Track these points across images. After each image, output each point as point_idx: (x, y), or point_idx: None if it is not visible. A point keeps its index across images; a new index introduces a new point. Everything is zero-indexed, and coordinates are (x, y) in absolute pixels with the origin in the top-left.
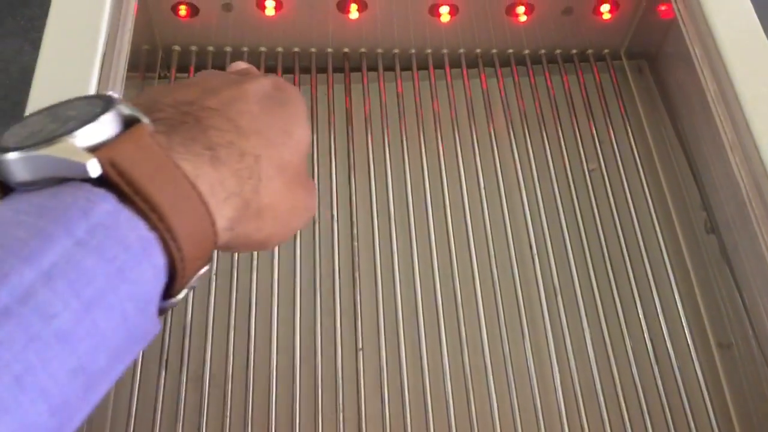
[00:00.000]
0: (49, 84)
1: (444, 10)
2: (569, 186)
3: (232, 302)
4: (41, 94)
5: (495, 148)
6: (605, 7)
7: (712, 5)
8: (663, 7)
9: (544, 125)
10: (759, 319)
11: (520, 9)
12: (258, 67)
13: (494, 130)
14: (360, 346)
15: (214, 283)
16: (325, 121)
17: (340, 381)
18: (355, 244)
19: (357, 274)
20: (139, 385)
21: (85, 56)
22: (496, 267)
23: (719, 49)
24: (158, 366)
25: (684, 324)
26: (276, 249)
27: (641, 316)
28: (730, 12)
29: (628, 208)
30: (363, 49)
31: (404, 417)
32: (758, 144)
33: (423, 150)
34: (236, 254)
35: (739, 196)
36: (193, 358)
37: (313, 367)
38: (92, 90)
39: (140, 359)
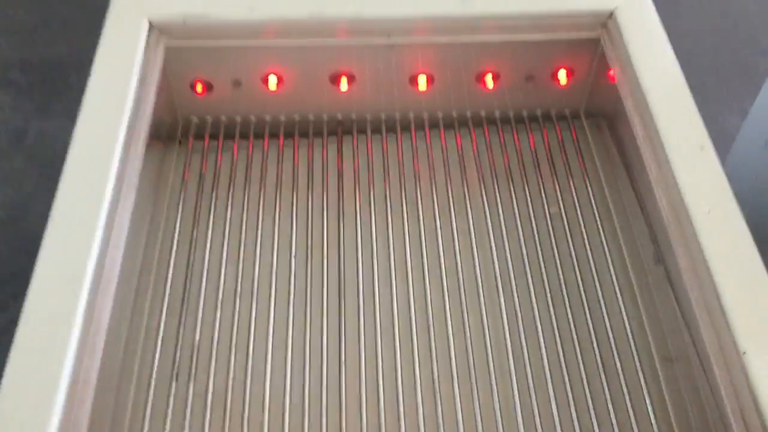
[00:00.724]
0: (82, 148)
1: (422, 79)
2: (532, 228)
3: (234, 323)
4: (75, 158)
5: (467, 197)
6: (562, 73)
7: (642, 69)
8: (612, 72)
9: (512, 177)
10: (698, 336)
11: (488, 77)
12: (263, 134)
13: (467, 182)
14: (343, 359)
15: (219, 311)
16: (320, 179)
17: (325, 391)
18: (342, 277)
19: (343, 303)
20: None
21: (112, 126)
22: (466, 298)
23: (647, 102)
24: (169, 378)
25: (631, 341)
26: (273, 279)
27: (593, 336)
28: (656, 69)
29: (584, 245)
30: (353, 116)
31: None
32: (677, 177)
33: (404, 200)
34: (239, 285)
35: (664, 225)
36: (200, 373)
37: (302, 382)
38: (117, 155)
39: (153, 373)
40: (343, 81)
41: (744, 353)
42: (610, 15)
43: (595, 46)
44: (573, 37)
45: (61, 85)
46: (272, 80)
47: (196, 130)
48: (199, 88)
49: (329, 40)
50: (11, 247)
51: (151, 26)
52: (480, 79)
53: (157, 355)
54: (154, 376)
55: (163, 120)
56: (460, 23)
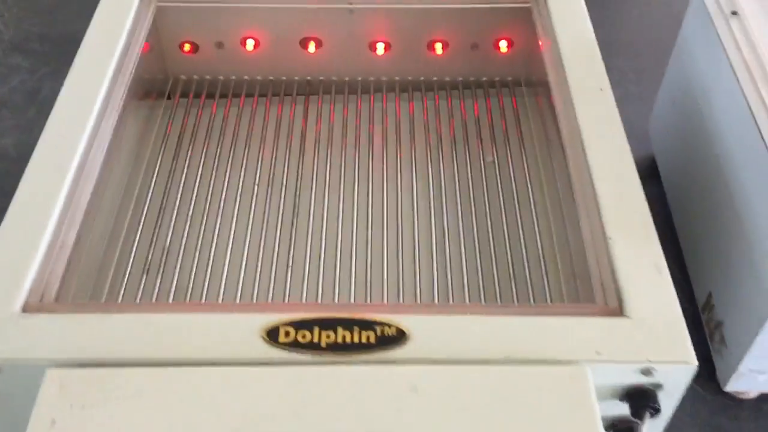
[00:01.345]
0: (72, 85)
1: (380, 46)
2: (467, 173)
3: (199, 233)
4: (67, 90)
5: (414, 156)
6: (503, 43)
7: (560, 29)
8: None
9: (455, 139)
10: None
11: (438, 45)
12: (240, 92)
13: (415, 143)
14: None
15: (188, 223)
16: (285, 135)
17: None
18: (297, 202)
19: (295, 220)
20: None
21: (101, 67)
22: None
23: (560, 53)
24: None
25: (537, 232)
26: (236, 202)
27: (507, 228)
28: (571, 29)
29: (511, 183)
30: (321, 78)
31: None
32: (576, 109)
33: (357, 158)
34: (207, 205)
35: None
36: (167, 270)
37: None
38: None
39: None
40: (311, 45)
41: (610, 239)
42: None
43: (530, 17)
44: (509, 5)
45: (73, 54)
46: (250, 43)
47: (183, 87)
48: (186, 47)
49: (299, 5)
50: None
51: None
52: (431, 46)
53: (133, 254)
54: (128, 270)
55: (156, 78)
56: None
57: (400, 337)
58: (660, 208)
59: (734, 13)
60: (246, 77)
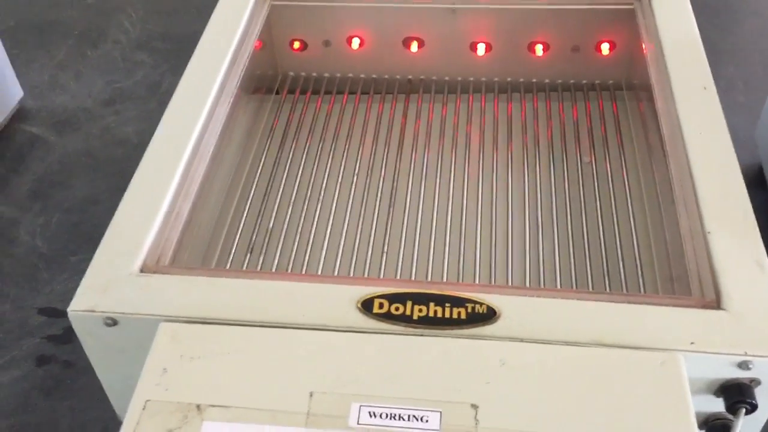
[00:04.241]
0: (191, 76)
1: (481, 46)
2: (564, 172)
3: (300, 218)
4: (186, 80)
5: (511, 157)
6: (605, 46)
7: (664, 28)
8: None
9: (552, 138)
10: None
11: (539, 47)
12: (345, 89)
13: (512, 144)
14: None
15: (290, 207)
16: (385, 134)
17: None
18: (394, 195)
19: (392, 210)
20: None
21: (217, 62)
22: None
23: (663, 53)
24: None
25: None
26: (336, 191)
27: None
28: (676, 29)
29: (608, 183)
30: (422, 77)
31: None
32: (678, 109)
33: (454, 155)
34: (309, 192)
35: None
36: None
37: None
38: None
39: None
40: (414, 45)
41: (709, 233)
42: None
43: (633, 19)
44: (611, 6)
45: (192, 52)
46: (355, 42)
47: (291, 83)
48: (296, 45)
49: (402, 5)
50: None
51: None
52: (531, 48)
53: (238, 234)
54: (234, 248)
55: (267, 74)
56: None
57: (490, 315)
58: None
59: None
60: (350, 75)
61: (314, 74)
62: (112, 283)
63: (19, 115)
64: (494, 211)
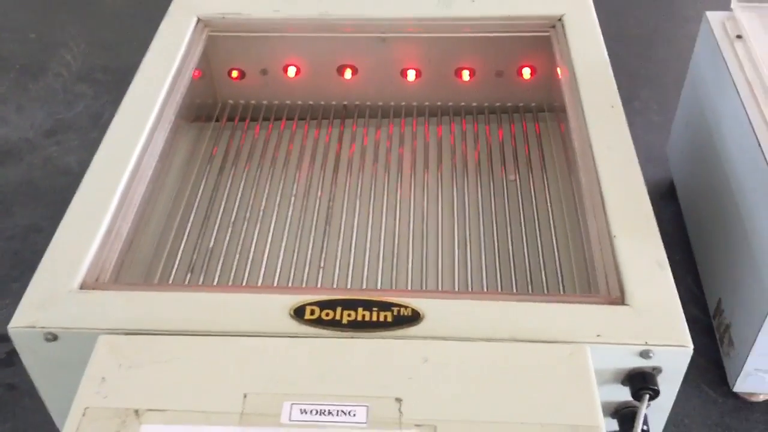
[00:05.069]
0: (130, 101)
1: (411, 73)
2: (490, 191)
3: (240, 239)
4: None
5: (442, 170)
6: (526, 70)
7: (576, 54)
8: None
9: (479, 159)
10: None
11: (465, 72)
12: (282, 116)
13: (442, 165)
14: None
15: (230, 229)
16: (321, 158)
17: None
18: (330, 213)
19: (328, 228)
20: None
21: (154, 91)
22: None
23: (575, 75)
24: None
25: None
26: (274, 212)
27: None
28: (586, 54)
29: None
30: (356, 102)
31: None
32: (588, 125)
33: (387, 175)
34: (247, 213)
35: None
36: (209, 270)
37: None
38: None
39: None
40: (347, 72)
41: (614, 236)
42: (560, 18)
43: (549, 47)
44: (530, 34)
45: None
46: (291, 70)
47: (230, 111)
48: (234, 74)
49: (335, 34)
50: None
51: (198, 20)
52: (458, 73)
53: (179, 255)
54: (175, 268)
55: (206, 102)
56: (439, 22)
57: (415, 317)
58: (677, 225)
59: (739, 36)
60: (288, 102)
61: (253, 102)
62: (52, 300)
63: None
64: (425, 226)
